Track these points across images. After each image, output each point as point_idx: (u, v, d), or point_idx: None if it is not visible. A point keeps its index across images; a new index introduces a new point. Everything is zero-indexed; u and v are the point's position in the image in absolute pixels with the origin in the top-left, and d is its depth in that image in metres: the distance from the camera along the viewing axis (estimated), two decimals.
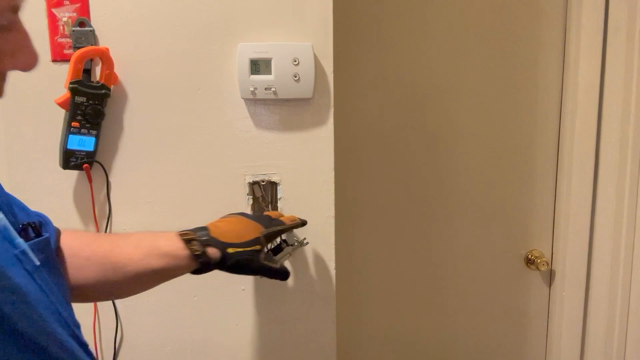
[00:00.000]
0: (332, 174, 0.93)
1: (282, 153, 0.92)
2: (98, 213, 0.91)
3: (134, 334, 0.95)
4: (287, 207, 0.93)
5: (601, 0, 1.20)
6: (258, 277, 0.94)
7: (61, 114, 0.85)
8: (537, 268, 1.34)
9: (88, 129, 0.85)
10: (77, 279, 0.65)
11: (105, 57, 0.85)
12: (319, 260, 0.95)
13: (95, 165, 0.88)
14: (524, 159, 1.32)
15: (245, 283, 0.95)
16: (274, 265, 0.76)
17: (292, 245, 0.89)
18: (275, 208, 0.93)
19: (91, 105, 0.84)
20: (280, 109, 0.90)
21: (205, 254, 0.70)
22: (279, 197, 0.92)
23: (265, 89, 0.87)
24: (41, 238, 0.54)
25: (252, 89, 0.86)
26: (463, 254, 1.35)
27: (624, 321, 1.30)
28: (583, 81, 1.23)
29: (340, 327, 0.98)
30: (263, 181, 0.92)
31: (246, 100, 0.89)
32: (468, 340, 1.40)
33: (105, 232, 0.91)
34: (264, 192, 0.94)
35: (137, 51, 0.87)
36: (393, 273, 1.34)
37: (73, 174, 0.89)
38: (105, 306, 0.93)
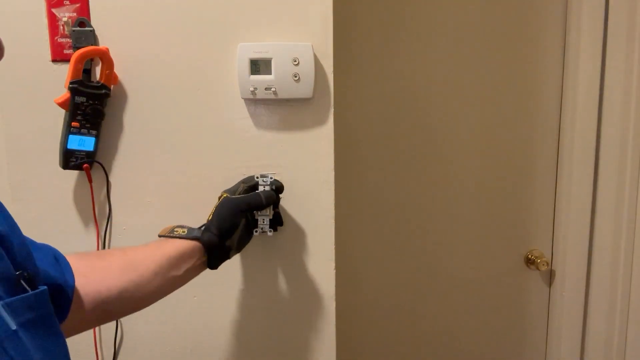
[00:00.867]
0: (332, 174, 0.92)
1: (282, 153, 0.91)
2: (98, 213, 0.91)
3: (134, 334, 0.95)
4: (287, 207, 0.93)
5: (601, 0, 1.20)
6: (258, 277, 0.94)
7: (61, 114, 0.85)
8: (537, 268, 1.34)
9: (88, 129, 0.85)
10: (101, 293, 0.63)
11: (105, 57, 0.85)
12: (319, 260, 0.95)
13: (95, 165, 0.88)
14: (524, 159, 1.32)
15: (245, 283, 0.95)
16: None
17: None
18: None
19: (91, 105, 0.84)
20: (280, 109, 0.90)
21: (205, 231, 0.77)
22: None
23: (265, 89, 0.87)
24: (32, 293, 0.42)
25: (252, 89, 0.86)
26: (463, 253, 1.35)
27: (624, 321, 1.30)
28: (583, 81, 1.23)
29: (340, 327, 0.98)
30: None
31: (246, 100, 0.89)
32: (468, 340, 1.40)
33: (105, 232, 0.91)
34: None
35: (137, 51, 0.87)
36: (393, 273, 1.34)
37: (73, 174, 0.89)
38: None
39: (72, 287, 0.59)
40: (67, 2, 0.84)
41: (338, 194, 0.94)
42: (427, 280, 1.35)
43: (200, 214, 0.92)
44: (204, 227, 0.78)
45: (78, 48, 0.84)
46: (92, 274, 0.63)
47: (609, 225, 1.28)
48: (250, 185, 0.85)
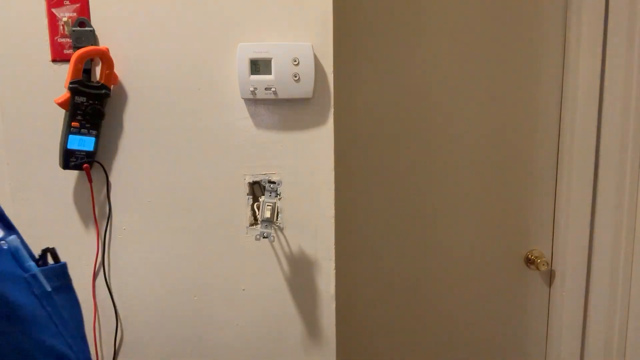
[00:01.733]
0: (332, 174, 0.93)
1: (282, 153, 0.92)
2: (98, 213, 0.91)
3: (134, 334, 0.95)
4: (287, 207, 0.93)
5: (601, 0, 1.20)
6: (258, 277, 0.94)
7: (61, 114, 0.85)
8: (537, 268, 1.34)
9: (88, 129, 0.85)
10: None
11: (105, 57, 0.85)
12: (319, 260, 0.95)
13: (95, 165, 0.88)
14: (524, 159, 1.32)
15: (245, 283, 0.95)
16: None
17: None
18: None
19: (91, 105, 0.84)
20: (280, 109, 0.90)
21: None
22: (279, 197, 0.92)
23: (265, 89, 0.87)
24: (57, 264, 0.51)
25: (252, 89, 0.86)
26: (463, 253, 1.35)
27: (624, 321, 1.30)
28: (583, 81, 1.23)
29: (340, 327, 0.98)
30: (263, 181, 0.92)
31: (246, 100, 0.89)
32: (468, 340, 1.40)
33: (105, 232, 0.91)
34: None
35: (137, 51, 0.87)
36: (393, 273, 1.34)
37: (73, 174, 0.89)
38: (105, 306, 0.93)
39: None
40: (67, 2, 0.84)
41: (338, 194, 0.94)
42: (427, 280, 1.35)
43: (200, 214, 0.92)
44: None
45: (78, 48, 0.84)
46: None
47: (609, 225, 1.28)
48: None
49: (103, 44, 0.86)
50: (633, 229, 1.26)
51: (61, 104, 0.83)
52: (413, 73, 1.26)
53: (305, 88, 0.88)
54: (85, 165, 0.86)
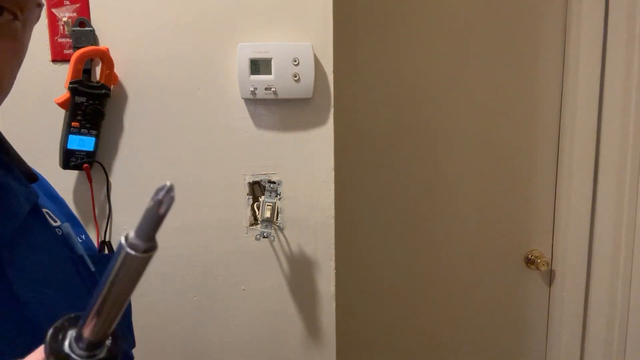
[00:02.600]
0: (332, 174, 0.93)
1: (282, 153, 0.92)
2: (98, 213, 0.91)
3: (134, 334, 0.95)
4: (287, 207, 0.93)
5: (601, 0, 1.20)
6: (258, 277, 0.94)
7: (61, 114, 0.85)
8: (537, 268, 1.33)
9: (88, 129, 0.85)
10: None
11: (105, 57, 0.85)
12: (319, 260, 0.95)
13: (95, 165, 0.88)
14: (524, 159, 1.32)
15: (245, 283, 0.95)
16: None
17: None
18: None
19: (91, 105, 0.84)
20: (280, 109, 0.90)
21: None
22: (279, 197, 0.92)
23: (265, 89, 0.87)
24: (104, 254, 0.61)
25: (252, 89, 0.86)
26: (463, 254, 1.35)
27: (624, 321, 1.30)
28: (583, 81, 1.23)
29: (340, 327, 0.98)
30: (263, 181, 0.92)
31: (246, 100, 0.89)
32: (468, 340, 1.40)
33: (105, 232, 0.91)
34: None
35: (137, 51, 0.87)
36: (393, 273, 1.34)
37: (73, 174, 0.89)
38: None
39: None
40: (67, 2, 0.84)
41: (338, 194, 0.94)
42: (427, 281, 1.35)
43: (200, 214, 0.92)
44: None
45: (78, 48, 0.84)
46: None
47: (609, 225, 1.28)
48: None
49: (103, 44, 0.86)
50: (633, 229, 1.26)
51: (61, 104, 0.83)
52: (413, 73, 1.26)
53: (305, 88, 0.87)
54: (85, 165, 0.86)
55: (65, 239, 0.53)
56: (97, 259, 0.55)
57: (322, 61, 0.89)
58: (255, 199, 0.93)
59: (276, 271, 0.95)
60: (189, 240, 0.93)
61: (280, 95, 0.87)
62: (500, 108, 1.29)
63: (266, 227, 0.88)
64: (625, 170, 1.24)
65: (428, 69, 1.26)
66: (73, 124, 0.84)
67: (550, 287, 1.39)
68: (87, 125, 0.85)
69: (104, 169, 0.89)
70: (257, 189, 0.93)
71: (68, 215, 0.60)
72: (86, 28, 0.85)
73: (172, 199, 0.26)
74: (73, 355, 0.28)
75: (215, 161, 0.91)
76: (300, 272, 0.95)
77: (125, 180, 0.91)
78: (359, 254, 1.31)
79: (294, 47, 0.87)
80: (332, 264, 0.95)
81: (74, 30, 0.84)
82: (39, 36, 0.85)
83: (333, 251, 0.95)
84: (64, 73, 0.84)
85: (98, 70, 0.86)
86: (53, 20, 0.85)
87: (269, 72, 0.86)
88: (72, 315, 0.30)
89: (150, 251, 0.25)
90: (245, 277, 0.94)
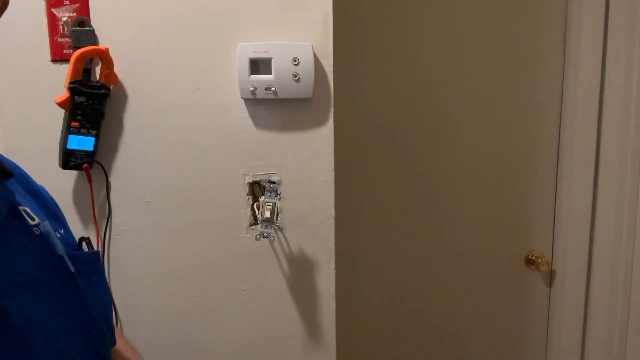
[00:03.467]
0: (332, 174, 0.92)
1: (282, 153, 0.91)
2: (98, 213, 0.91)
3: (134, 334, 0.95)
4: (287, 207, 0.93)
5: (601, 0, 1.20)
6: (258, 277, 0.94)
7: (61, 114, 0.85)
8: (537, 268, 1.33)
9: (88, 129, 0.85)
10: None
11: (105, 57, 0.84)
12: (319, 260, 0.95)
13: (95, 165, 0.88)
14: (524, 159, 1.32)
15: (245, 283, 0.95)
16: None
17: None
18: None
19: (91, 105, 0.84)
20: (280, 109, 0.90)
21: None
22: (279, 197, 0.92)
23: (265, 89, 0.87)
24: (90, 251, 0.59)
25: (252, 89, 0.86)
26: (463, 253, 1.35)
27: (625, 321, 1.30)
28: (583, 81, 1.23)
29: (340, 327, 0.98)
30: (263, 181, 0.92)
31: (246, 100, 0.89)
32: (468, 340, 1.40)
33: (105, 232, 0.91)
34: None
35: (137, 51, 0.87)
36: (393, 273, 1.34)
37: (73, 174, 0.89)
38: None
39: None
40: (67, 2, 0.84)
41: (338, 194, 0.94)
42: (427, 280, 1.35)
43: (200, 214, 0.92)
44: None
45: (78, 48, 0.84)
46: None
47: (609, 225, 1.28)
48: None
49: (103, 44, 0.86)
50: (633, 229, 1.26)
51: (61, 104, 0.83)
52: (413, 73, 1.26)
53: (305, 88, 0.87)
54: (85, 165, 0.86)
55: (44, 238, 0.51)
56: (75, 258, 0.54)
57: (322, 61, 0.89)
58: (255, 199, 0.93)
59: (276, 271, 0.95)
60: (189, 240, 0.93)
61: (280, 95, 0.87)
62: (501, 108, 1.29)
63: (266, 227, 0.88)
64: (625, 170, 1.24)
65: (428, 68, 1.26)
66: (73, 123, 0.84)
67: (550, 287, 1.39)
68: (86, 125, 0.85)
69: (103, 169, 0.89)
70: (257, 189, 0.93)
71: (47, 207, 0.59)
72: (86, 28, 0.85)
73: None
74: None
75: (215, 161, 0.91)
76: (300, 272, 0.95)
77: (125, 180, 0.91)
78: (359, 254, 1.31)
79: (294, 46, 0.86)
80: (332, 264, 0.95)
81: (73, 30, 0.84)
82: (39, 36, 0.85)
83: (333, 251, 0.95)
84: (63, 73, 0.84)
85: (98, 70, 0.86)
86: (53, 20, 0.85)
87: (269, 72, 0.86)
88: None
89: None
90: (245, 277, 0.94)
